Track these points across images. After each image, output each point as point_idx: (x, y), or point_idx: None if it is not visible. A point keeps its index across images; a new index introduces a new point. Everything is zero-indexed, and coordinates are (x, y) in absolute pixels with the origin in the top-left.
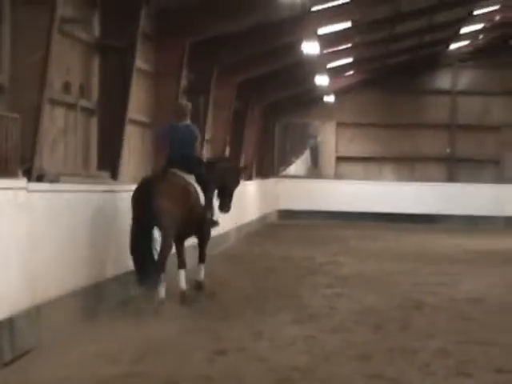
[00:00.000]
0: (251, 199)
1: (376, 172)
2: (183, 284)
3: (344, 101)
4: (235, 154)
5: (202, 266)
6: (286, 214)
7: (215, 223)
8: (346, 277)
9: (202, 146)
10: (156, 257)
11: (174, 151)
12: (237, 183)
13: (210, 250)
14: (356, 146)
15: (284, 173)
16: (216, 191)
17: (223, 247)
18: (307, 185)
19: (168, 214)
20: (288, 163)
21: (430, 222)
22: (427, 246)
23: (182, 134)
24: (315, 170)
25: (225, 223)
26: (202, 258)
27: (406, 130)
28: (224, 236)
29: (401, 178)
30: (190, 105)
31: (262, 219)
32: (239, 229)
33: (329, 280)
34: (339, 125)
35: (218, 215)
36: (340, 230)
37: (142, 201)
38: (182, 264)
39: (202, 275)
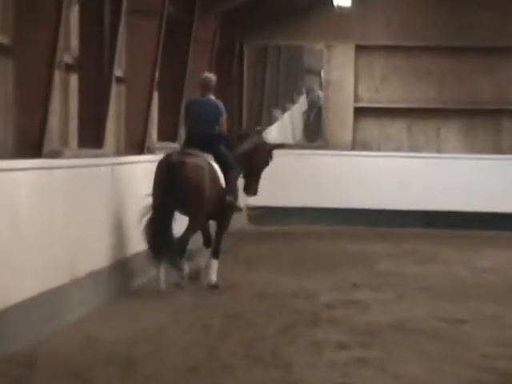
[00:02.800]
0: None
1: (429, 136)
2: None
3: (370, 6)
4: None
5: (215, 264)
6: (264, 215)
7: (237, 208)
8: (372, 330)
9: (228, 121)
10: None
11: (194, 128)
12: (266, 163)
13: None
14: (391, 89)
15: None
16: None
17: (143, 280)
18: (302, 161)
19: (197, 197)
20: (267, 121)
21: None
22: None
23: (202, 110)
24: (316, 135)
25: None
26: (215, 253)
27: (486, 57)
28: (139, 257)
29: (475, 146)
30: (214, 78)
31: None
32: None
33: (342, 335)
34: (361, 50)
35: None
36: (360, 243)
37: (168, 182)
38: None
39: (214, 276)
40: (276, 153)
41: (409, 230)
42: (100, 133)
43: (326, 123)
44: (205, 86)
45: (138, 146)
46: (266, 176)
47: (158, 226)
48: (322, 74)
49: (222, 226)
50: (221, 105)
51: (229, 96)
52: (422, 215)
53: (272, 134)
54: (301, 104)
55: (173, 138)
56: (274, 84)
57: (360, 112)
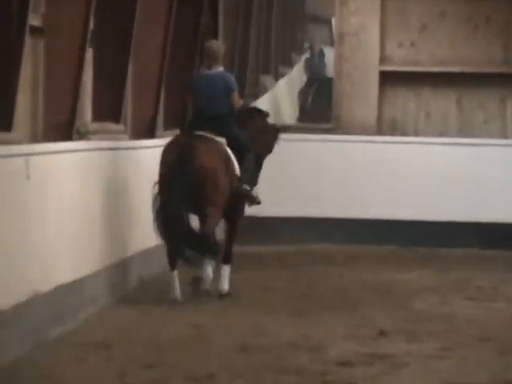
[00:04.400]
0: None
1: (490, 113)
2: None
3: None
4: None
5: (227, 270)
6: (249, 230)
7: (254, 200)
8: None
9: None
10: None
11: (201, 107)
12: (269, 149)
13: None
14: (434, 45)
15: None
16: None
17: (70, 327)
18: (303, 151)
19: (215, 186)
20: (252, 91)
21: None
22: None
23: (210, 85)
24: (322, 112)
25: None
26: (227, 257)
27: None
28: (78, 285)
29: None
30: (222, 46)
31: None
32: (123, 266)
33: None
34: None
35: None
36: (387, 270)
37: (178, 172)
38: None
39: (226, 284)
40: None
41: (459, 251)
42: (7, 110)
43: (338, 95)
44: (211, 57)
45: (64, 129)
46: None
47: (171, 225)
48: (334, 23)
49: (235, 223)
50: (231, 78)
51: (197, 55)
52: (479, 230)
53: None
54: (299, 70)
55: (115, 116)
56: (263, 39)
57: (389, 79)
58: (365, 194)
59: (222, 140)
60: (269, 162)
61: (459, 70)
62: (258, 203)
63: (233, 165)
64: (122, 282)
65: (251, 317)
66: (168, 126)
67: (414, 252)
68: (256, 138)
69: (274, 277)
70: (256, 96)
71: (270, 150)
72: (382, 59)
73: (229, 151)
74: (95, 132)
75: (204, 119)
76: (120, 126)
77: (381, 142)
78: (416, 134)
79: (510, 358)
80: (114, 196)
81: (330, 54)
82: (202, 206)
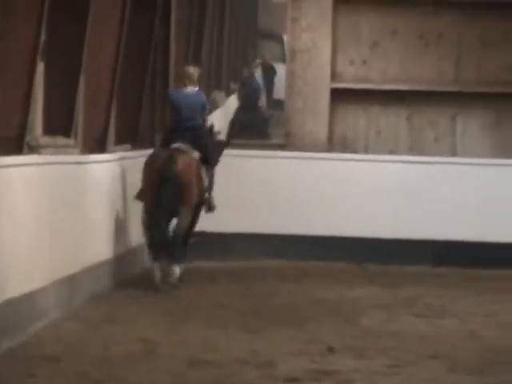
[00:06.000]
0: (105, 204)
1: (440, 131)
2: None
3: None
4: None
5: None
6: (199, 246)
7: (212, 208)
8: None
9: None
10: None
11: (178, 120)
12: (217, 162)
13: None
14: (386, 62)
15: None
16: None
17: (19, 340)
18: (252, 168)
19: (192, 193)
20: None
21: None
22: None
23: (187, 102)
24: (272, 129)
25: (30, 267)
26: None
27: None
28: (28, 299)
29: (508, 146)
30: (197, 71)
31: (134, 258)
32: (70, 284)
33: None
34: (342, 4)
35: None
36: (337, 287)
37: (164, 179)
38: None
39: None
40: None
41: (409, 268)
42: None
43: (288, 112)
44: (187, 78)
45: (14, 143)
46: None
47: (156, 228)
48: (285, 39)
49: (193, 224)
50: (205, 97)
51: (148, 69)
52: (430, 248)
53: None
54: (249, 84)
55: (66, 130)
56: (215, 54)
57: (340, 96)
58: (315, 210)
59: (195, 152)
60: (221, 178)
61: (410, 87)
62: (213, 210)
63: (202, 175)
64: (72, 297)
65: (202, 332)
66: (119, 140)
67: (363, 269)
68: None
69: (225, 292)
70: (208, 111)
71: (215, 164)
72: (334, 76)
73: (200, 163)
74: (46, 146)
75: (181, 132)
76: (71, 140)
77: (331, 160)
78: (366, 151)
79: (458, 376)
80: (65, 210)
81: (281, 71)
82: (179, 208)
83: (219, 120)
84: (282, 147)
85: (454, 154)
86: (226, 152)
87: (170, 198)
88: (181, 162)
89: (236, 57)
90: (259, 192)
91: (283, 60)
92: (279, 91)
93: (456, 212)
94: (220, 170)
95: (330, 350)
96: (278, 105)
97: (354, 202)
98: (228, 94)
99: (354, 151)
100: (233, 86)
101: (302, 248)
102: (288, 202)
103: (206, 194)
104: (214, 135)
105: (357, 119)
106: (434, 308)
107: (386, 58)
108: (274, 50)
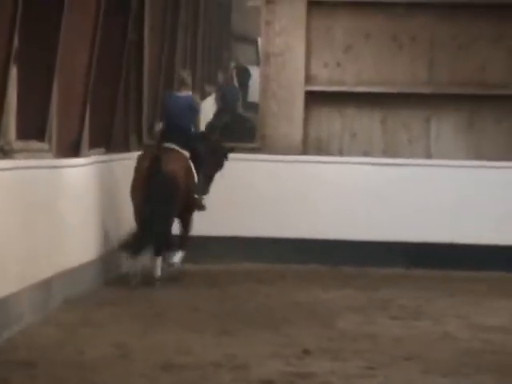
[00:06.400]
0: (79, 209)
1: (414, 134)
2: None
3: None
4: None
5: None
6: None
7: (202, 206)
8: None
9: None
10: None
11: (170, 122)
12: (219, 167)
13: None
14: (360, 65)
15: None
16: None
17: None
18: (227, 170)
19: (176, 190)
20: None
21: None
22: None
23: (178, 106)
24: (247, 132)
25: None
26: (181, 243)
27: (498, 19)
28: (2, 304)
29: (482, 149)
30: (189, 75)
31: (108, 262)
32: (45, 288)
33: None
34: (315, 7)
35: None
36: (313, 289)
37: (153, 177)
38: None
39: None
40: None
41: (385, 270)
42: None
43: (263, 114)
44: (180, 82)
45: None
46: None
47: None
48: (260, 42)
49: (188, 221)
50: (196, 102)
51: (122, 72)
52: (404, 250)
53: None
54: (226, 87)
55: (40, 134)
56: (189, 57)
57: (314, 98)
58: (290, 213)
59: (186, 152)
60: None
61: (384, 90)
62: (203, 209)
63: (192, 174)
64: (47, 301)
65: (176, 336)
66: (93, 144)
67: (339, 271)
68: (209, 157)
69: (200, 296)
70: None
71: (220, 167)
72: (308, 79)
73: (189, 162)
74: (19, 150)
75: (172, 133)
76: (45, 145)
77: (305, 162)
78: (341, 153)
79: (432, 377)
80: (39, 215)
81: (256, 74)
82: (164, 205)
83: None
84: (256, 150)
85: (428, 156)
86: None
87: (158, 195)
88: (167, 160)
89: (210, 60)
90: (234, 195)
91: (257, 63)
92: (254, 94)
93: (429, 214)
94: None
95: (306, 352)
96: (252, 108)
97: (328, 204)
98: (203, 96)
99: (329, 153)
100: (207, 88)
101: (277, 251)
102: (263, 205)
103: (197, 196)
104: (212, 140)
105: (331, 122)
106: (409, 310)
107: (360, 60)
108: (248, 53)
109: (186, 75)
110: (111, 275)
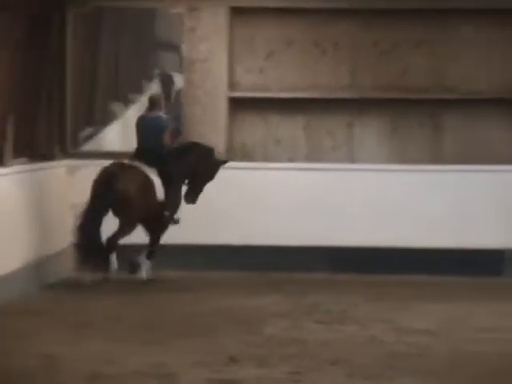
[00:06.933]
0: (3, 216)
1: (337, 139)
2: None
3: None
4: None
5: (148, 263)
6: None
7: (175, 221)
8: None
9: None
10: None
11: (139, 143)
12: (208, 179)
13: None
14: (282, 71)
15: (91, 146)
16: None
17: None
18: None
19: (132, 202)
20: (101, 118)
21: (490, 273)
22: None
23: (147, 126)
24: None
25: None
26: (149, 254)
27: (419, 24)
28: None
29: (405, 153)
30: (159, 96)
31: (35, 271)
32: None
33: None
34: (238, 14)
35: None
36: (239, 296)
37: (101, 191)
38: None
39: (144, 273)
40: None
41: (311, 275)
42: None
43: (188, 121)
44: (151, 103)
45: None
46: None
47: (87, 229)
48: (184, 49)
49: (154, 238)
50: (165, 120)
51: (46, 82)
52: (329, 254)
53: (109, 136)
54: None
55: None
56: (112, 65)
57: (238, 105)
58: (216, 219)
59: (149, 170)
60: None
61: (306, 95)
62: (177, 223)
63: (153, 191)
64: None
65: (103, 346)
66: (17, 154)
67: (265, 277)
68: (198, 168)
69: (126, 304)
70: (105, 123)
71: (210, 179)
72: (231, 85)
73: (151, 179)
74: None
75: (141, 152)
76: None
77: (229, 169)
78: (265, 160)
79: (357, 381)
80: None
81: (170, 83)
82: (119, 220)
83: (118, 132)
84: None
85: (351, 161)
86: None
87: (104, 207)
88: (123, 177)
89: (134, 68)
90: None
91: (181, 70)
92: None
93: (354, 218)
94: None
95: (232, 359)
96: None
97: (253, 210)
98: (126, 105)
99: (254, 160)
100: (131, 97)
101: (204, 258)
102: (190, 212)
103: (166, 213)
104: (204, 151)
105: (255, 128)
106: (335, 314)
107: (283, 66)
108: (172, 60)
109: (157, 97)
110: (40, 284)
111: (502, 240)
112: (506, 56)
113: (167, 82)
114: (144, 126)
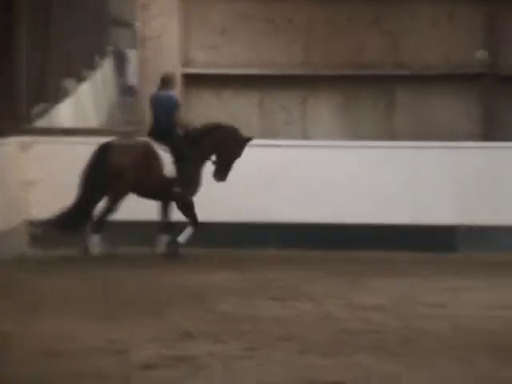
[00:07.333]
0: None
1: (291, 115)
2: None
3: None
4: None
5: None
6: (53, 233)
7: (184, 199)
8: None
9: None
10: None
11: (154, 121)
12: (236, 155)
13: None
14: (236, 48)
15: (44, 122)
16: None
17: None
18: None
19: (119, 179)
20: (53, 95)
21: (444, 249)
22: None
23: (159, 105)
24: (130, 115)
25: None
26: (191, 221)
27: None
28: None
29: (358, 130)
30: (172, 76)
31: None
32: None
33: None
34: None
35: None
36: (192, 272)
37: (95, 164)
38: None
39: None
40: (76, 143)
41: (261, 251)
42: None
43: (141, 98)
44: (164, 81)
45: None
46: (51, 178)
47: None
48: (136, 26)
49: (184, 209)
50: (174, 100)
51: None
52: (280, 230)
53: (62, 113)
54: (106, 71)
55: None
56: (64, 41)
57: (191, 81)
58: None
59: (159, 146)
60: (72, 164)
61: (260, 72)
62: (190, 201)
63: (158, 165)
64: None
65: (58, 322)
66: None
67: (215, 254)
68: (224, 146)
69: (83, 280)
70: (58, 99)
71: (237, 156)
72: (185, 62)
73: (160, 154)
74: None
75: (154, 129)
76: None
77: None
78: None
79: (310, 357)
80: None
81: (124, 58)
82: (108, 192)
83: (71, 108)
84: (134, 134)
85: (305, 137)
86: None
87: (97, 182)
88: (116, 150)
89: (87, 44)
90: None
91: (135, 47)
92: (132, 78)
93: (307, 194)
94: (68, 158)
95: (186, 335)
96: (130, 92)
97: (205, 187)
98: (79, 81)
99: None
100: (84, 73)
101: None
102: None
103: (176, 189)
104: (228, 129)
105: (210, 104)
106: (289, 291)
107: (237, 42)
108: (125, 36)
109: (169, 75)
110: None
111: (456, 216)
112: (460, 32)
113: (120, 59)
114: (156, 104)
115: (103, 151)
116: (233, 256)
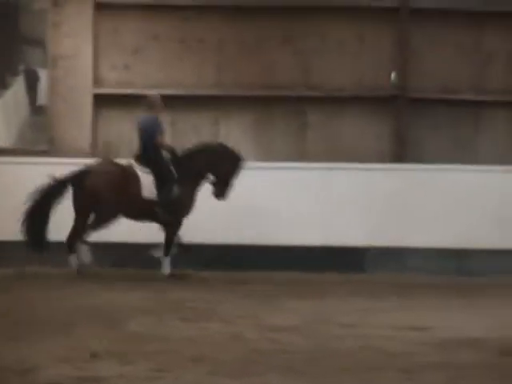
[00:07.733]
0: None
1: (203, 135)
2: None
3: None
4: None
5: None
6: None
7: (164, 219)
8: None
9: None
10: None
11: (139, 145)
12: (233, 173)
13: None
14: (148, 67)
15: None
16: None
17: None
18: (20, 174)
19: (100, 196)
20: None
21: (354, 270)
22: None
23: (142, 127)
24: (41, 134)
25: None
26: (166, 249)
27: (284, 21)
28: None
29: (272, 150)
30: (158, 97)
31: None
32: None
33: None
34: (103, 9)
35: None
36: (100, 291)
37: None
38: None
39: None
40: None
41: (176, 272)
42: None
43: (52, 117)
44: (147, 104)
45: None
46: None
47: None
48: (48, 45)
49: (166, 237)
50: (158, 122)
51: None
52: (198, 251)
53: None
54: (18, 90)
55: None
56: None
57: (103, 101)
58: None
59: (141, 168)
60: None
61: (172, 92)
62: (168, 221)
63: (136, 186)
64: None
65: None
66: None
67: (129, 274)
68: (219, 165)
69: None
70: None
71: (235, 173)
72: (96, 82)
73: (136, 176)
74: None
75: (141, 153)
76: None
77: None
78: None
79: (220, 378)
80: None
81: (35, 77)
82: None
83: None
84: (45, 153)
85: None
86: None
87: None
88: (95, 173)
89: None
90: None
91: (47, 65)
92: (43, 97)
93: (220, 216)
94: None
95: (94, 355)
96: (42, 111)
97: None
98: None
99: (119, 157)
100: None
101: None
102: (66, 211)
103: (157, 209)
104: (225, 149)
105: (121, 124)
106: (200, 311)
107: (148, 62)
108: (37, 55)
109: (154, 98)
110: None
111: (365, 238)
112: (370, 54)
113: (32, 78)
114: (141, 129)
115: (82, 174)
116: (147, 276)
